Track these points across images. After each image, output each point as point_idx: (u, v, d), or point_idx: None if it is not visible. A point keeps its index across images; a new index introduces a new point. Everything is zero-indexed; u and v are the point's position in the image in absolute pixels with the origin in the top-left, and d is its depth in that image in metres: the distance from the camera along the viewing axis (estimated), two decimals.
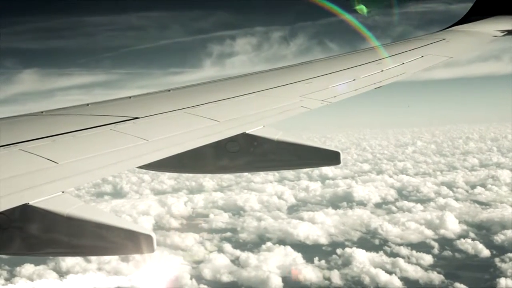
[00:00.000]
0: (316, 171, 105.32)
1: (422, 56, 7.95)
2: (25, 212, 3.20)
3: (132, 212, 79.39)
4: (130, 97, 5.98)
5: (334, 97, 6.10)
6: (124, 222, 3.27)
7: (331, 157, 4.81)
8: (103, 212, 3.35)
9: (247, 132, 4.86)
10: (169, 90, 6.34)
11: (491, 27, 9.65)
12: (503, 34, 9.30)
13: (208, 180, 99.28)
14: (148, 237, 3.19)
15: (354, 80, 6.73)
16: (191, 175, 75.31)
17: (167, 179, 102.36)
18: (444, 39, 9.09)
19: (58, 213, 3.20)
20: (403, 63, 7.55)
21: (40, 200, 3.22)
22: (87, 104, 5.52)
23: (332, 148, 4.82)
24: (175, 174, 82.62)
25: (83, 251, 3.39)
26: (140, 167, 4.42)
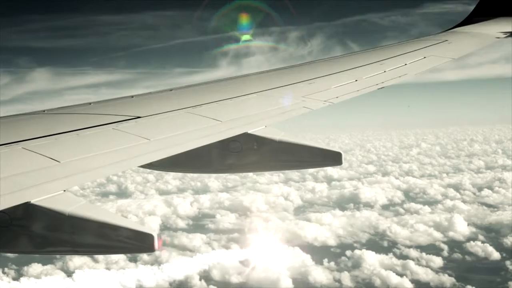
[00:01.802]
0: (321, 172, 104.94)
1: (424, 57, 7.92)
2: (27, 211, 3.19)
3: (138, 212, 79.19)
4: (132, 96, 5.99)
5: (336, 97, 6.08)
6: (126, 221, 3.27)
7: (333, 158, 4.82)
8: (105, 211, 3.35)
9: (249, 132, 4.85)
10: (171, 90, 6.32)
11: (494, 29, 9.62)
12: (505, 35, 9.30)
13: (213, 181, 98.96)
14: (150, 236, 3.17)
15: (356, 80, 6.70)
16: (195, 175, 75.47)
17: (172, 179, 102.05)
18: (446, 40, 9.06)
19: (59, 212, 3.20)
20: (405, 64, 7.52)
21: (42, 198, 3.22)
22: (89, 103, 5.53)
23: (334, 148, 4.82)
24: (179, 174, 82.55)
25: (85, 249, 3.40)
26: (142, 166, 4.43)
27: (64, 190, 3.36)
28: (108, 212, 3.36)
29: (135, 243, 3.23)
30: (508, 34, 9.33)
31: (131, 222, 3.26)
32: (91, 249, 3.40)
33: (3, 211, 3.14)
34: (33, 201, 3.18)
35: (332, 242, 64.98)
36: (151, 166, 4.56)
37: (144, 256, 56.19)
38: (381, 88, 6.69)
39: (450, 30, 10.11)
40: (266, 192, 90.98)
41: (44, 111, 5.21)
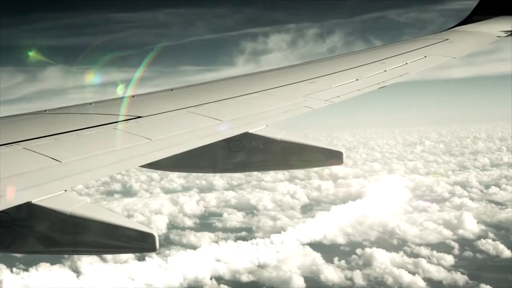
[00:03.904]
0: (326, 170, 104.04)
1: (425, 56, 7.94)
2: (28, 211, 3.20)
3: (144, 211, 78.87)
4: (133, 96, 6.01)
5: (338, 97, 6.09)
6: (127, 221, 3.28)
7: (334, 157, 4.78)
8: (106, 211, 3.35)
9: (250, 131, 4.85)
10: (172, 90, 6.35)
11: (495, 28, 9.61)
12: (506, 34, 9.28)
13: (218, 179, 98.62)
14: (151, 236, 3.19)
15: (357, 80, 6.72)
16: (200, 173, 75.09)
17: (177, 177, 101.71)
18: (447, 39, 9.06)
19: (61, 212, 3.20)
20: (406, 63, 7.54)
21: (43, 198, 3.22)
22: (90, 103, 5.57)
23: (335, 147, 4.79)
24: (184, 173, 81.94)
25: (86, 249, 3.41)
26: (144, 166, 4.44)
27: (65, 190, 3.36)
28: (109, 211, 3.35)
29: (136, 243, 3.24)
30: (509, 33, 9.28)
31: (132, 222, 3.27)
32: (92, 248, 3.41)
33: (5, 211, 3.14)
34: (34, 201, 3.18)
35: (341, 240, 64.59)
36: (152, 165, 4.55)
37: (153, 255, 55.76)
38: (382, 87, 6.68)
39: (451, 29, 10.09)
40: (272, 190, 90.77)
41: (45, 111, 5.22)
